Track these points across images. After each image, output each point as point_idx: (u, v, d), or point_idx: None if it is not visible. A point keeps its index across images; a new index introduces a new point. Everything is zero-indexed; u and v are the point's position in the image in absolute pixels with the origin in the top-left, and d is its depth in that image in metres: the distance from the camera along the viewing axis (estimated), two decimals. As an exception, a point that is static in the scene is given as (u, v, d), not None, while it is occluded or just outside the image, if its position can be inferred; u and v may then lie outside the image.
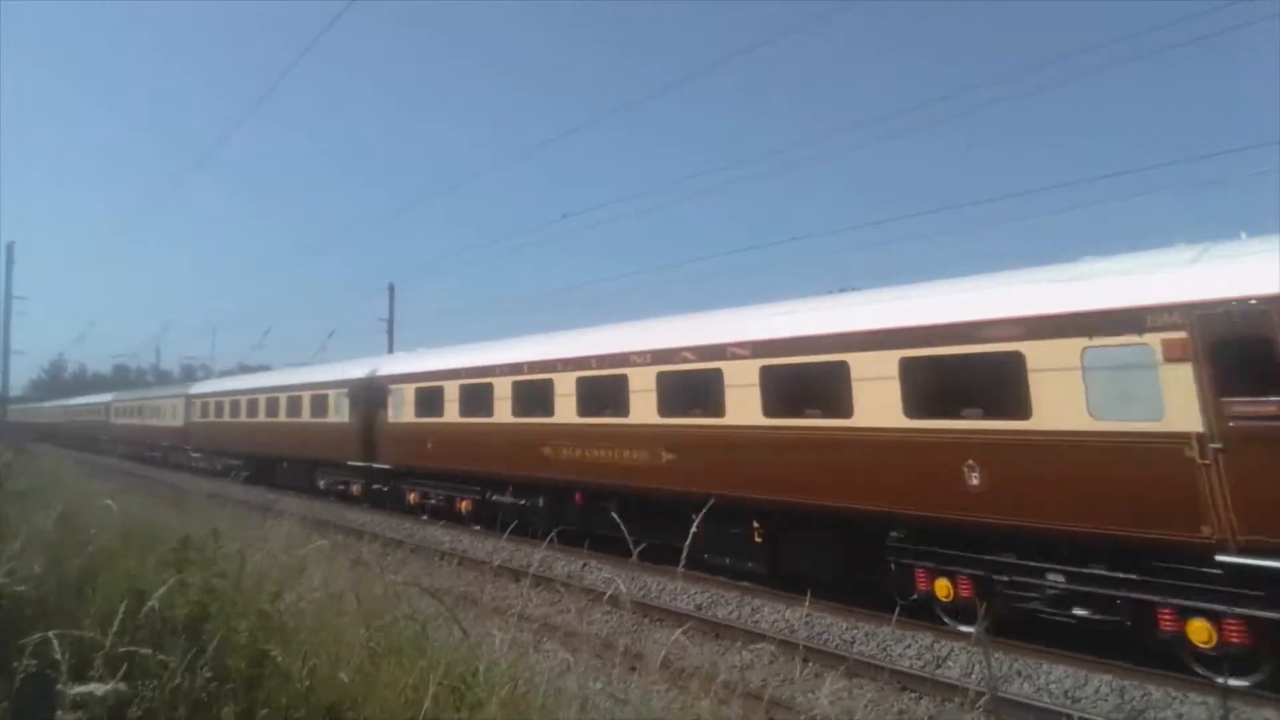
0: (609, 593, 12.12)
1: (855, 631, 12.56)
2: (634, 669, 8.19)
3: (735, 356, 15.13)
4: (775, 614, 13.64)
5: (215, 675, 5.09)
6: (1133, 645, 10.64)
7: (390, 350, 45.91)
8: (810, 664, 10.91)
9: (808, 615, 13.00)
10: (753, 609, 13.99)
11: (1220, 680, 9.56)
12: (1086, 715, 9.21)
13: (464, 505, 23.20)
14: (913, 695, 10.19)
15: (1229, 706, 8.98)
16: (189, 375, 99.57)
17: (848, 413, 13.08)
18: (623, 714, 5.48)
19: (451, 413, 22.85)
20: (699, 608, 14.45)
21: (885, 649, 11.82)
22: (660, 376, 16.46)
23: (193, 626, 5.43)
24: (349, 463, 27.99)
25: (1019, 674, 10.57)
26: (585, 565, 17.42)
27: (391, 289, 53.57)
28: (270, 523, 11.98)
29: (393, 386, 25.95)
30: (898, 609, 10.83)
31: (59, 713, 4.32)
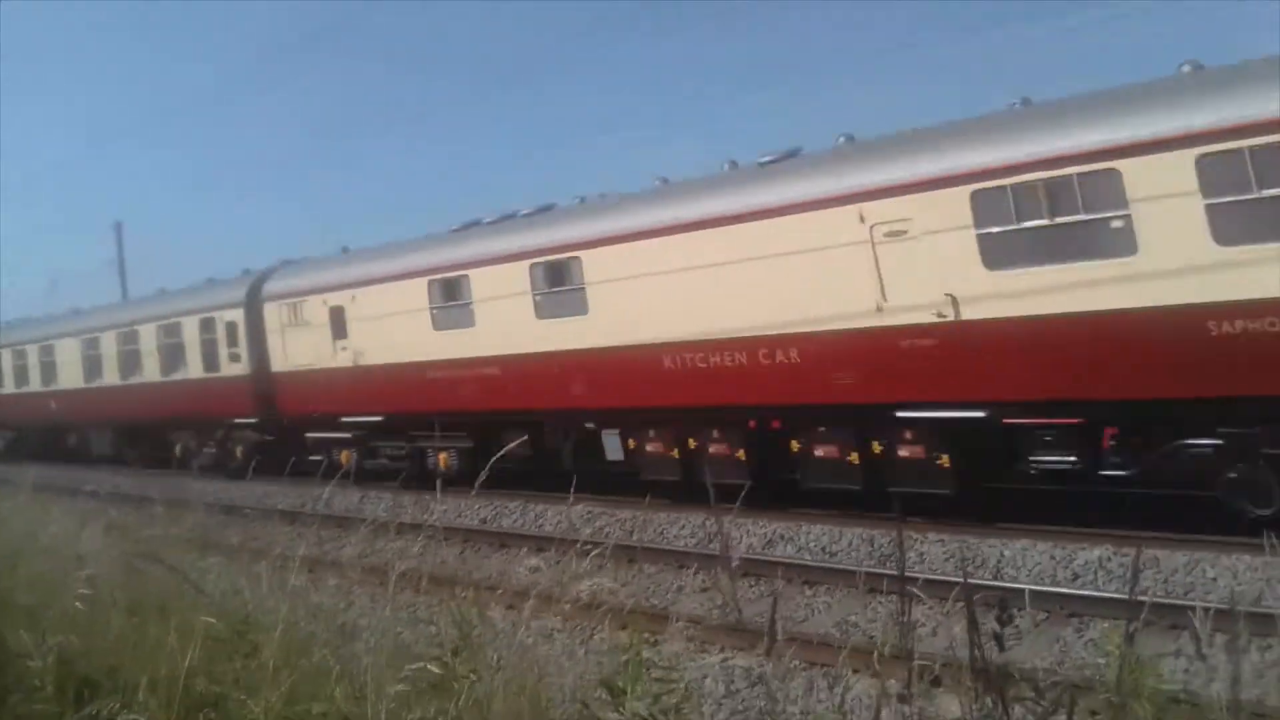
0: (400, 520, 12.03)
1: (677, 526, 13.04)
2: (418, 590, 8.27)
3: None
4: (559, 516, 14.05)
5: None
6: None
7: (124, 296, 41.26)
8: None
9: (588, 512, 13.49)
10: (536, 514, 14.36)
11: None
12: (840, 565, 10.15)
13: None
14: (669, 567, 10.97)
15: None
16: None
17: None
18: (403, 634, 5.54)
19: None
20: (484, 521, 14.69)
21: (662, 532, 12.51)
22: None
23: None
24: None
25: (781, 538, 11.49)
26: (364, 498, 17.19)
27: (119, 228, 49.26)
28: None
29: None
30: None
31: None
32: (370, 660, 4.32)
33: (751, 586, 10.10)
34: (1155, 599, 8.12)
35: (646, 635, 8.67)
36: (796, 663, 8.01)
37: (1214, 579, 8.72)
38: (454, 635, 4.40)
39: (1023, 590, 8.75)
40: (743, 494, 10.08)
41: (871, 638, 8.16)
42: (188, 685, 4.49)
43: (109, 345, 25.93)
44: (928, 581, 8.87)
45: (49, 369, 28.81)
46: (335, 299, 19.05)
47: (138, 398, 24.71)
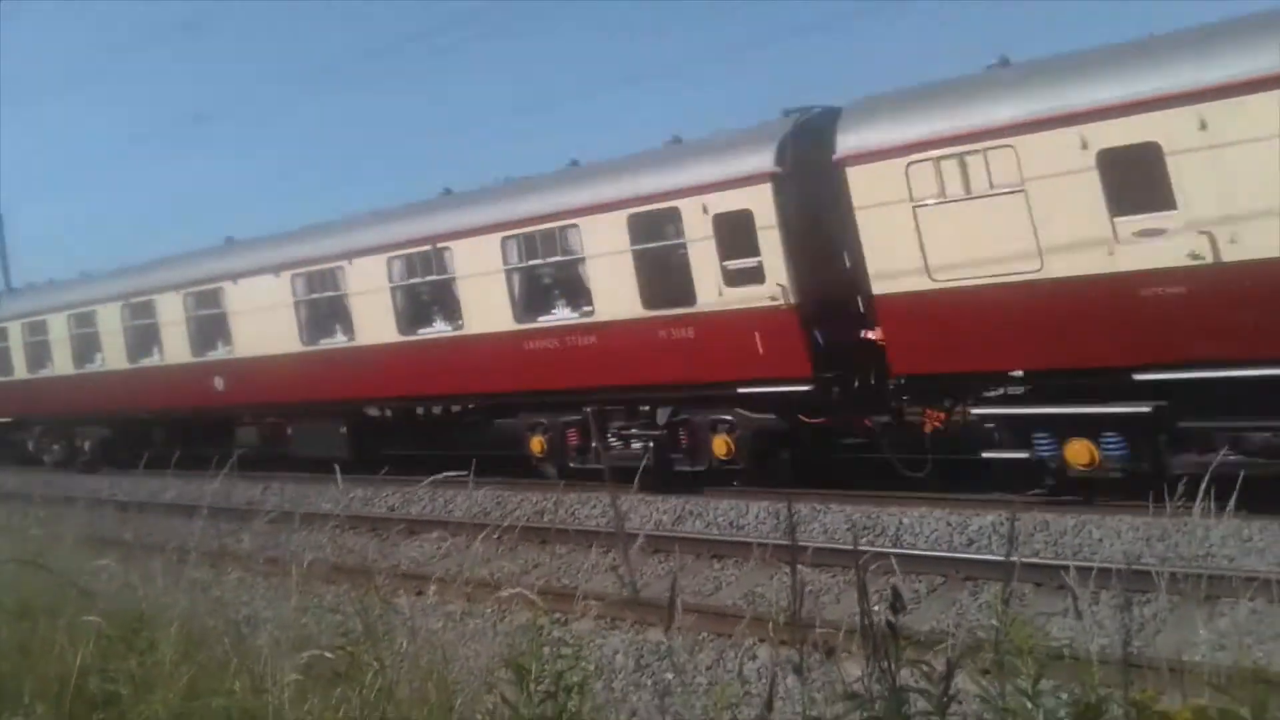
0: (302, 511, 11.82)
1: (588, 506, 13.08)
2: (326, 580, 8.19)
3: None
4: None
5: None
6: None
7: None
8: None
9: (497, 496, 13.46)
10: (445, 500, 14.28)
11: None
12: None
13: None
14: (580, 547, 11.14)
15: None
16: None
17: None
18: (307, 625, 5.47)
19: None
20: (391, 509, 14.58)
21: (573, 512, 12.60)
22: None
23: None
24: None
25: (691, 513, 11.68)
26: (266, 488, 16.83)
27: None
28: None
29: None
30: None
31: None
32: (269, 651, 4.26)
33: (661, 563, 10.25)
34: (1043, 560, 8.60)
35: (557, 615, 8.74)
36: (705, 634, 8.18)
37: (1099, 539, 9.17)
38: (357, 624, 4.39)
39: (920, 555, 9.08)
40: (638, 473, 10.05)
41: (782, 608, 8.40)
42: (80, 686, 4.36)
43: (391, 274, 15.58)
44: (832, 551, 9.21)
45: (212, 326, 19.09)
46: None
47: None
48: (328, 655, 3.72)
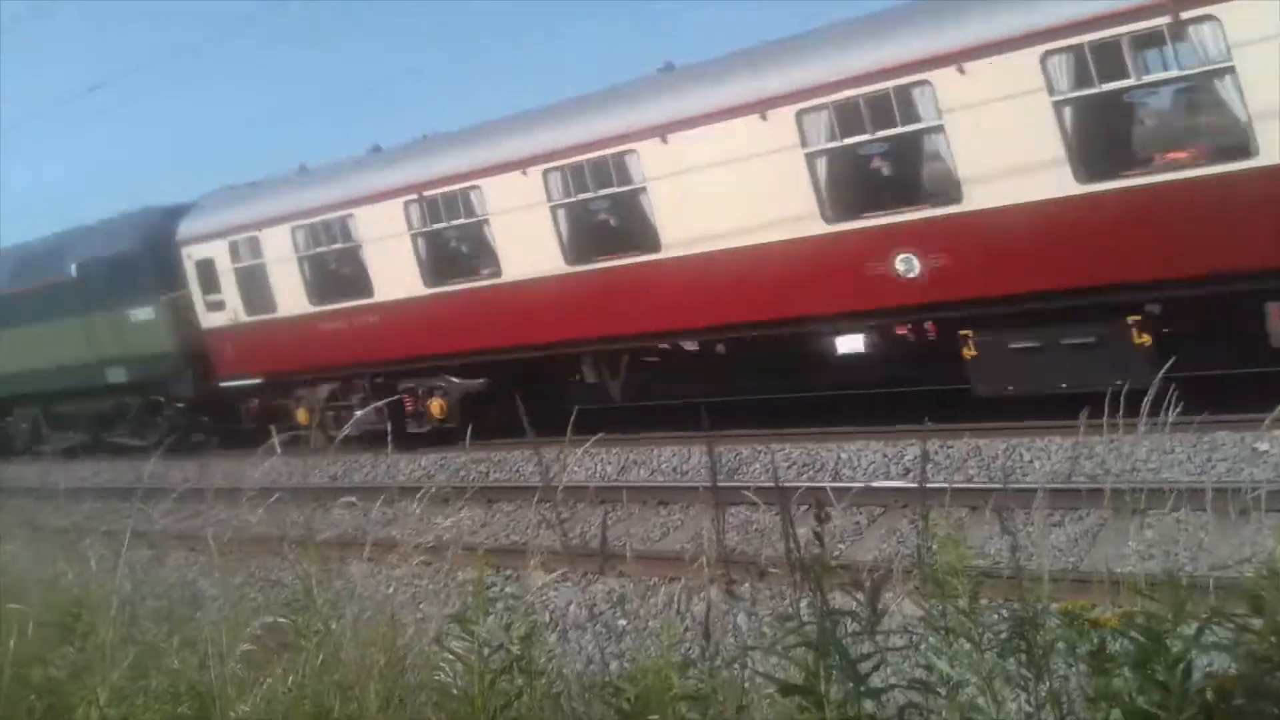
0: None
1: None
2: (280, 555, 8.13)
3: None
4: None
5: None
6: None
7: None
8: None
9: (441, 459, 13.43)
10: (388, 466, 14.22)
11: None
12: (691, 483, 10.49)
13: None
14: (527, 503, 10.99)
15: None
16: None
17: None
18: (256, 599, 5.45)
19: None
20: (334, 478, 14.47)
21: (517, 470, 12.63)
22: None
23: None
24: None
25: (635, 463, 11.79)
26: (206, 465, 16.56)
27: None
28: None
29: None
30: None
31: None
32: (211, 627, 4.23)
33: (610, 513, 10.33)
34: (973, 485, 8.85)
35: (508, 571, 8.81)
36: (655, 579, 8.31)
37: (1030, 461, 9.45)
38: (301, 592, 4.37)
39: (856, 488, 9.24)
40: (570, 421, 10.03)
41: (728, 549, 8.56)
42: (18, 675, 4.29)
43: None
44: (771, 489, 9.35)
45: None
46: None
47: None
48: (280, 621, 3.70)
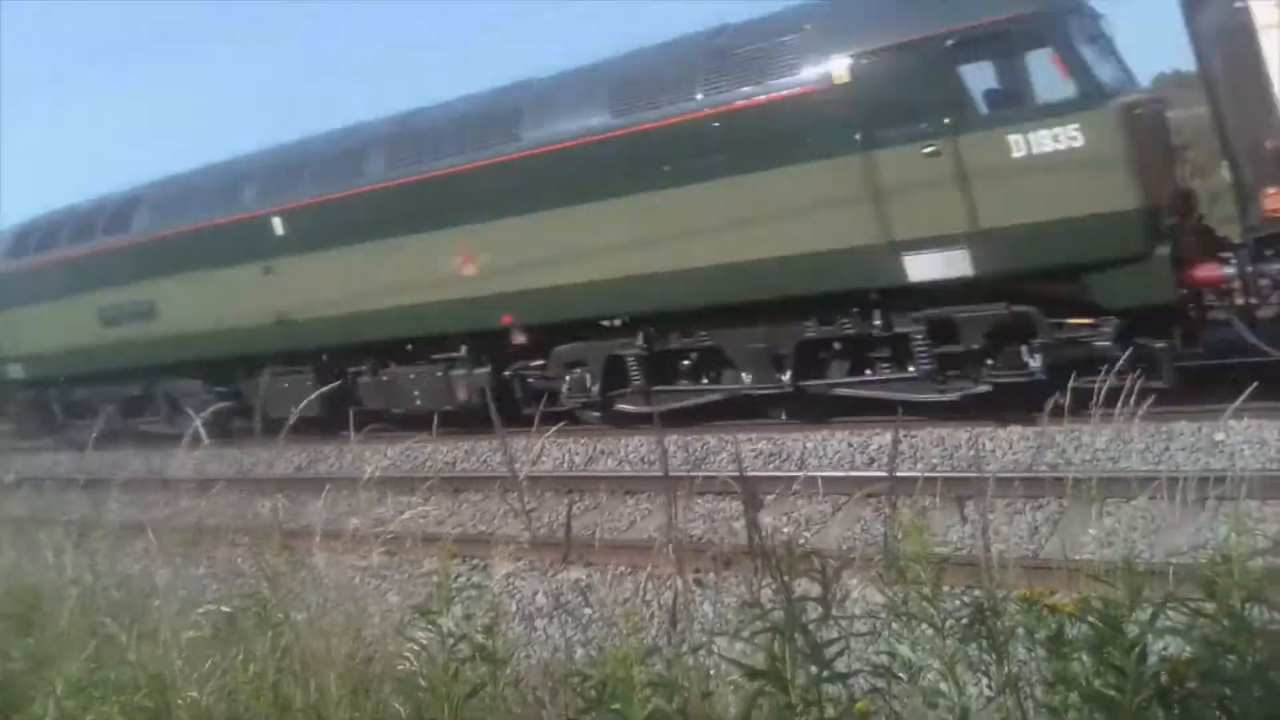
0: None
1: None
2: (236, 544, 8.07)
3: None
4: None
5: None
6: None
7: None
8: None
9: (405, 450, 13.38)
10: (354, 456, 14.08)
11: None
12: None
13: None
14: (493, 494, 11.10)
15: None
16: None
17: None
18: (217, 589, 5.40)
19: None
20: (299, 468, 14.35)
21: (485, 461, 12.60)
22: None
23: None
24: None
25: (603, 453, 11.79)
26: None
27: None
28: None
29: None
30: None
31: None
32: (164, 617, 4.19)
33: (577, 502, 10.32)
34: (939, 474, 8.93)
35: (474, 560, 8.78)
36: (623, 568, 8.32)
37: (992, 450, 9.54)
38: (263, 583, 4.33)
39: (820, 477, 9.30)
40: (538, 413, 9.92)
41: (694, 538, 8.59)
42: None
43: None
44: (736, 479, 9.40)
45: None
46: None
47: None
48: (224, 610, 3.66)
